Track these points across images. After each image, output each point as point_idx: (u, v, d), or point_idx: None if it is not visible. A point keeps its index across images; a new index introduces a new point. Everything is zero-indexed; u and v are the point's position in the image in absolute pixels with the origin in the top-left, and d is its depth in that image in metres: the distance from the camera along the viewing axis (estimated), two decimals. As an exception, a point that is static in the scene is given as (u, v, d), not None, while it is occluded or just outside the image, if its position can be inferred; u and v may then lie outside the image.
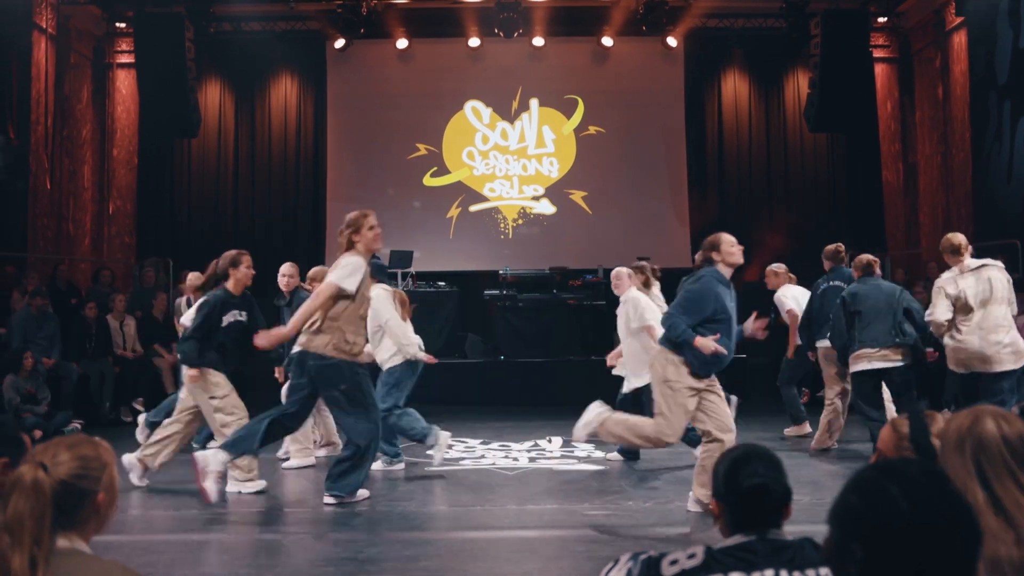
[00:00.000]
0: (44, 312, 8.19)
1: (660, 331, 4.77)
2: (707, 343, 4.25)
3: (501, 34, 11.75)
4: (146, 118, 11.82)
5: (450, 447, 5.91)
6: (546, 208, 12.57)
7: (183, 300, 7.09)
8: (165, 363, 9.13)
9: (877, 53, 12.48)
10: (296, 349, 4.92)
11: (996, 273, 5.22)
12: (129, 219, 12.46)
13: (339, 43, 12.18)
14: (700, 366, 4.39)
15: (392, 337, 5.68)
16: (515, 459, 6.28)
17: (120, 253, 12.17)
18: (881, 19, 12.30)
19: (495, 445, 6.83)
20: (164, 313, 9.41)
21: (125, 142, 12.47)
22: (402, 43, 12.38)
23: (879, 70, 12.58)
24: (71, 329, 8.56)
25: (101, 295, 9.29)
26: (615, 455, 6.18)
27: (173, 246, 11.97)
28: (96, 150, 12.17)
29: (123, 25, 12.02)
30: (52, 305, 8.41)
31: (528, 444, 6.86)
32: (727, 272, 4.51)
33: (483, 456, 6.44)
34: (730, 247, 4.52)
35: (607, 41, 12.38)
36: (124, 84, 12.39)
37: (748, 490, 1.65)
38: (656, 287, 6.40)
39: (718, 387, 4.53)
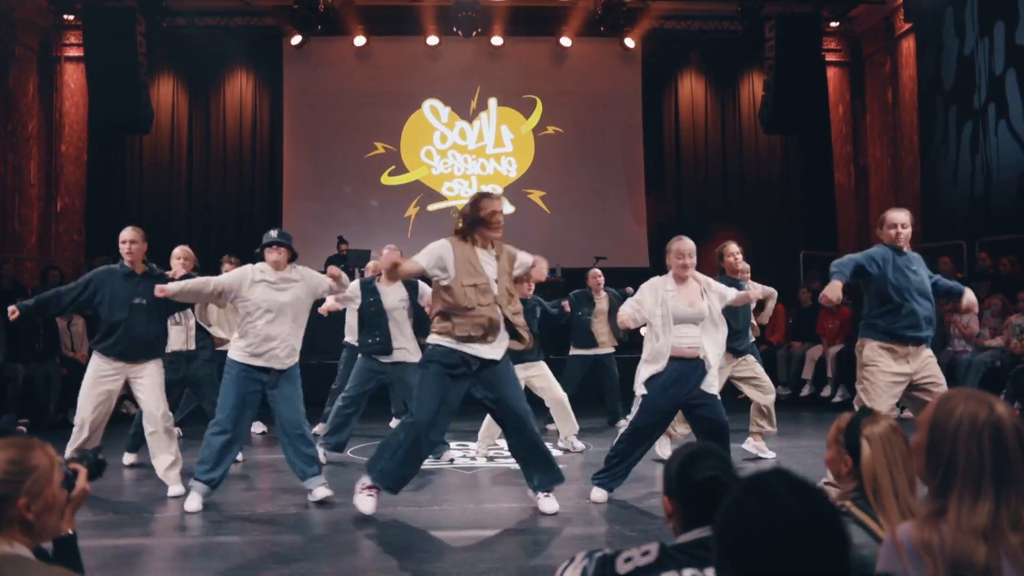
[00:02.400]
0: (-12, 312, 7.95)
1: None
2: None
3: (460, 33, 11.73)
4: (96, 113, 11.54)
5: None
6: (505, 208, 12.56)
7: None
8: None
9: (829, 57, 12.74)
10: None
11: None
12: (78, 216, 12.16)
13: (296, 40, 12.04)
14: None
15: None
16: (472, 458, 6.27)
17: (69, 251, 11.86)
18: (833, 24, 12.55)
19: (453, 444, 6.81)
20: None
21: (74, 138, 12.17)
22: (360, 40, 12.28)
23: (831, 73, 12.84)
24: (17, 329, 8.32)
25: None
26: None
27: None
28: (43, 145, 11.85)
29: (71, 17, 11.72)
30: (-4, 305, 8.16)
31: (490, 443, 6.84)
32: None
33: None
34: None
35: (565, 41, 12.44)
36: (72, 78, 12.09)
37: (700, 483, 1.67)
38: None
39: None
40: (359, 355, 6.16)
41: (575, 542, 4.08)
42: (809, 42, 11.60)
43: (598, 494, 4.76)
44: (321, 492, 4.83)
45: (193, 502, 4.69)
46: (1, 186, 10.93)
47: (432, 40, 12.30)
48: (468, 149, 12.65)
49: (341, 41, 12.32)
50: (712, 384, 4.65)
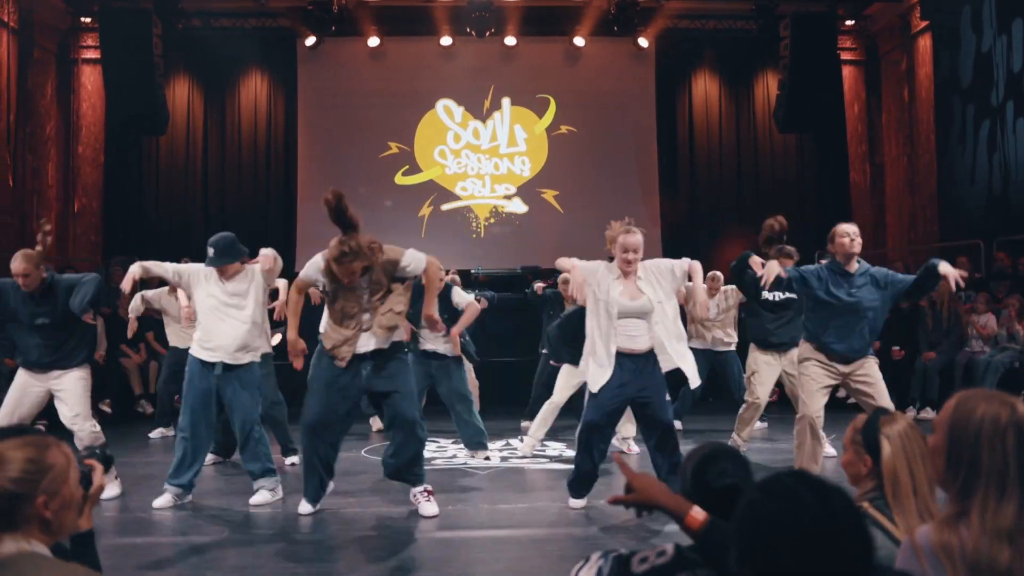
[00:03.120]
0: (7, 312, 8.02)
1: None
2: None
3: (473, 33, 11.74)
4: (112, 115, 11.63)
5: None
6: (518, 207, 12.58)
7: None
8: (132, 363, 9.01)
9: (845, 55, 12.65)
10: None
11: None
12: (95, 217, 12.26)
13: (310, 41, 12.09)
14: None
15: None
16: (486, 458, 6.28)
17: (86, 252, 11.96)
18: (849, 22, 12.47)
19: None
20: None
21: (91, 139, 12.27)
22: (373, 41, 12.32)
23: (847, 72, 12.75)
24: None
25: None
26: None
27: (141, 245, 11.79)
28: (60, 147, 11.96)
29: (88, 20, 11.81)
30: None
31: (500, 443, 6.87)
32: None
33: (454, 456, 6.44)
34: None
35: (579, 41, 12.42)
36: (90, 80, 12.19)
37: (718, 491, 1.66)
38: None
39: None
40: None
41: (591, 542, 4.07)
42: (824, 40, 11.52)
43: (575, 502, 4.71)
44: (260, 497, 4.88)
45: (162, 500, 4.83)
46: (20, 187, 11.03)
47: (446, 40, 12.32)
48: (482, 149, 12.66)
49: (355, 42, 12.35)
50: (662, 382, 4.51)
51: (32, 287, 4.79)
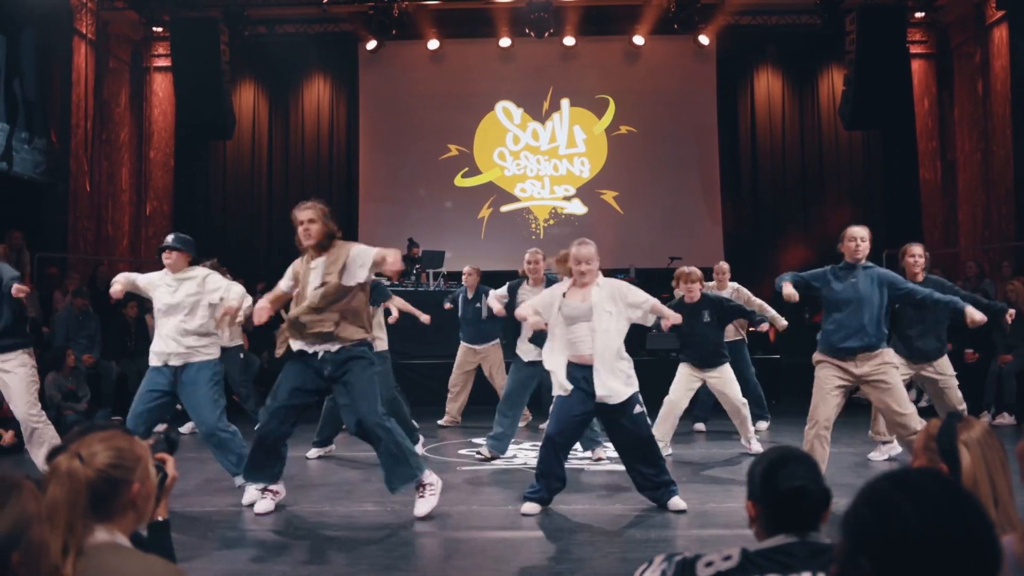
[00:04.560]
0: (85, 311, 8.36)
1: None
2: None
3: (532, 34, 11.76)
4: (182, 120, 12.02)
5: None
6: (577, 208, 12.55)
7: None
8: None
9: (914, 49, 12.28)
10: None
11: None
12: (166, 220, 12.66)
13: (371, 44, 12.27)
14: None
15: None
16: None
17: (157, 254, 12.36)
18: (919, 14, 12.10)
19: (527, 445, 6.84)
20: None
21: (162, 144, 12.68)
22: (433, 44, 12.44)
23: (916, 66, 12.38)
24: (110, 328, 8.72)
25: (139, 295, 9.43)
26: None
27: (208, 246, 12.11)
28: (133, 152, 12.39)
29: (160, 29, 12.21)
30: (92, 305, 8.57)
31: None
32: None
33: (515, 456, 6.46)
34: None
35: (638, 40, 12.33)
36: (161, 87, 12.60)
37: (786, 493, 1.63)
38: None
39: None
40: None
41: (653, 544, 4.04)
42: (893, 34, 11.21)
43: (529, 507, 4.62)
44: (249, 496, 4.87)
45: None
46: (97, 192, 11.47)
47: (505, 42, 12.36)
48: (541, 150, 12.67)
49: (415, 45, 12.50)
50: (615, 392, 4.44)
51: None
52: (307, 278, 4.53)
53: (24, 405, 5.17)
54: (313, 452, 6.35)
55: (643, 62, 12.63)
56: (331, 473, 5.93)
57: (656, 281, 7.95)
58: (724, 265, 7.66)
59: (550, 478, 4.62)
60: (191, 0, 11.45)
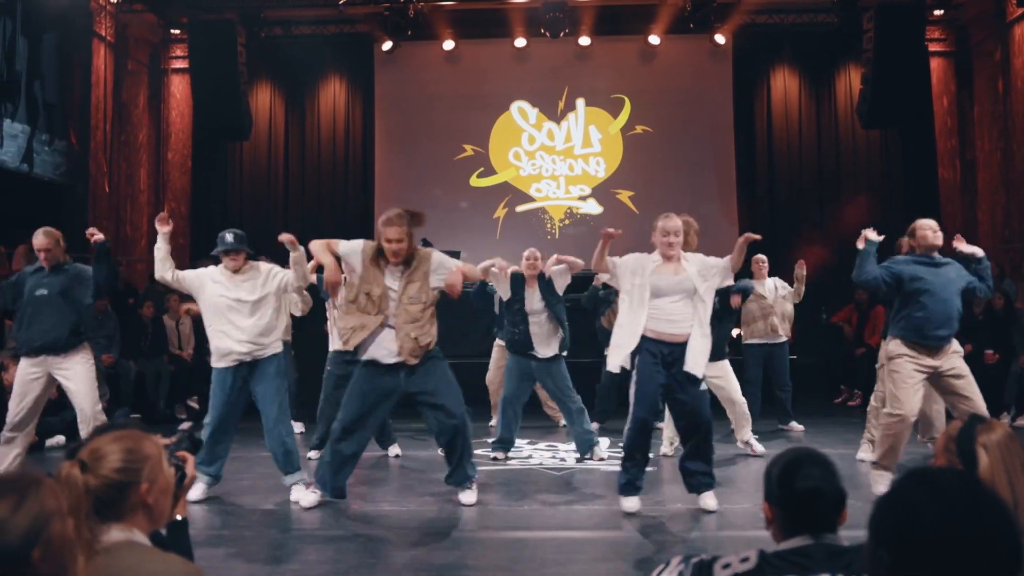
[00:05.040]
0: (104, 312, 8.43)
1: None
2: None
3: (547, 34, 11.75)
4: (199, 122, 12.10)
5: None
6: (593, 208, 12.53)
7: None
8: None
9: (932, 47, 12.17)
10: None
11: None
12: (183, 220, 12.75)
13: (386, 45, 12.31)
14: None
15: None
16: (562, 459, 6.27)
17: (174, 254, 12.40)
18: (937, 12, 11.99)
19: (542, 445, 6.84)
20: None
21: (179, 145, 12.78)
22: (448, 44, 12.46)
23: (935, 64, 12.27)
24: (128, 328, 8.80)
25: (157, 295, 9.53)
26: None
27: (225, 247, 12.21)
28: (151, 154, 12.49)
29: (178, 32, 12.32)
30: (111, 305, 8.65)
31: (573, 445, 6.84)
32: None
33: (530, 456, 6.45)
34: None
35: (654, 39, 12.30)
36: (178, 89, 12.70)
37: (802, 493, 1.63)
38: None
39: None
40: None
41: (668, 546, 4.03)
42: (911, 32, 11.11)
43: (629, 503, 4.58)
44: (296, 493, 4.91)
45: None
46: (115, 193, 11.57)
47: (520, 42, 12.37)
48: (556, 150, 12.67)
49: (430, 45, 12.52)
50: (701, 367, 4.38)
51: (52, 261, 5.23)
52: (379, 279, 4.55)
53: (90, 401, 5.21)
54: (312, 454, 6.34)
55: (659, 61, 12.60)
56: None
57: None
58: (761, 257, 7.47)
59: (641, 463, 4.57)
60: (208, 2, 11.53)
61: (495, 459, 6.17)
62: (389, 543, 4.14)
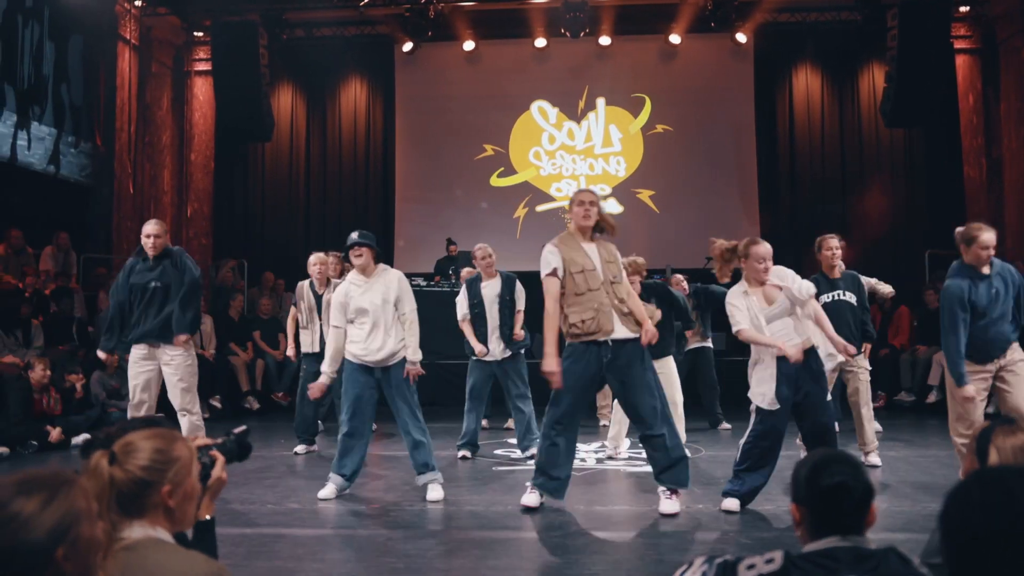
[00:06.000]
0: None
1: None
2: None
3: (567, 34, 11.73)
4: (222, 123, 12.21)
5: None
6: (613, 207, 12.50)
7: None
8: (240, 361, 9.40)
9: (958, 44, 12.03)
10: None
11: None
12: (206, 221, 12.87)
13: (407, 46, 12.35)
14: None
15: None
16: (583, 460, 6.26)
17: (198, 255, 12.56)
18: (963, 8, 11.84)
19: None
20: (240, 312, 9.67)
21: (202, 147, 12.89)
22: (469, 45, 12.48)
23: (960, 61, 12.12)
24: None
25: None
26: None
27: (247, 247, 12.35)
28: (175, 155, 12.61)
29: (201, 34, 12.43)
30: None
31: (596, 445, 6.84)
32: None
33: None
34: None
35: (675, 39, 12.25)
36: (201, 91, 12.81)
37: (829, 489, 1.62)
38: None
39: None
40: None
41: (691, 546, 4.01)
42: (936, 29, 10.98)
43: (730, 503, 4.60)
44: (432, 491, 4.94)
45: (326, 491, 4.95)
46: (140, 194, 11.70)
47: (540, 42, 12.36)
48: (576, 149, 12.65)
49: (451, 46, 12.55)
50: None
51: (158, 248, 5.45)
52: (585, 260, 4.83)
53: (182, 394, 5.30)
54: (301, 448, 6.61)
55: (679, 61, 12.54)
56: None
57: (692, 281, 7.87)
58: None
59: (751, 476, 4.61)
60: (231, 5, 11.62)
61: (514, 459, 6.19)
62: (410, 543, 4.15)
